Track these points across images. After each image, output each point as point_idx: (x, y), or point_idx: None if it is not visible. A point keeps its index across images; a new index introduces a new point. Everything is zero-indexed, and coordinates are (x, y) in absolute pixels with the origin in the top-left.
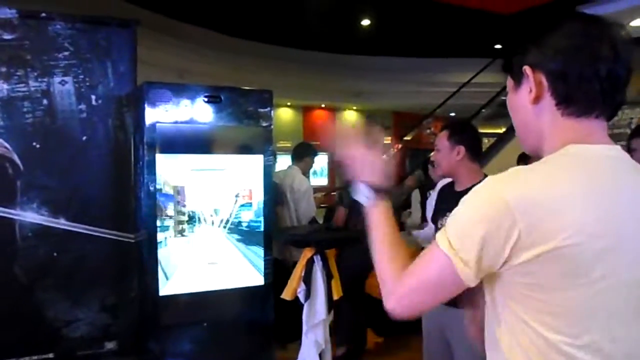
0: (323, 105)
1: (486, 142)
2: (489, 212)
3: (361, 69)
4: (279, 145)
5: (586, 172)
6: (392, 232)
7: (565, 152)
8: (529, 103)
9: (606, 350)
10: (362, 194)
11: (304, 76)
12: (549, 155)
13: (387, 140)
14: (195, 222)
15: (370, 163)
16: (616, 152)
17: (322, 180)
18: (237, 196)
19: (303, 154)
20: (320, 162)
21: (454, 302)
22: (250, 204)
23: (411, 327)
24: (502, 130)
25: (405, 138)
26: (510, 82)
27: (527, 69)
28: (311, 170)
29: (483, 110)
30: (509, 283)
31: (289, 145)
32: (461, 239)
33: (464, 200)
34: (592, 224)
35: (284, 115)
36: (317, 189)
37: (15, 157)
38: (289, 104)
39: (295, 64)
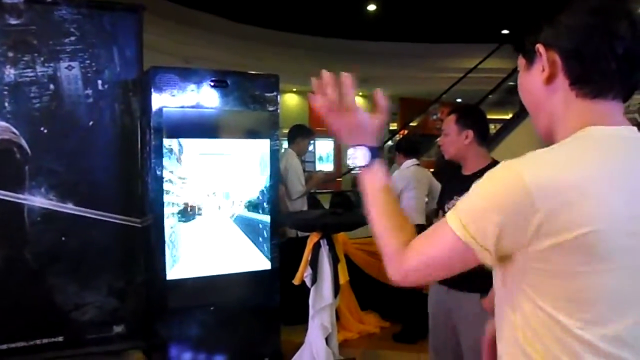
0: None
1: (493, 128)
2: (507, 197)
3: (367, 54)
4: (285, 131)
5: (607, 155)
6: (390, 199)
7: (583, 135)
8: (542, 83)
9: (627, 340)
10: (356, 157)
11: (310, 62)
12: (567, 138)
13: (394, 126)
14: (201, 206)
15: (357, 123)
16: (635, 133)
17: (328, 166)
18: (243, 180)
19: (295, 135)
20: (326, 148)
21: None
22: (256, 189)
23: (416, 312)
24: (509, 116)
25: (412, 124)
26: (521, 61)
27: (540, 47)
28: (309, 153)
29: (490, 96)
30: (525, 268)
31: None
32: (476, 223)
33: (480, 183)
34: (615, 209)
35: (290, 101)
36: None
37: (23, 142)
38: (294, 89)
39: (301, 50)
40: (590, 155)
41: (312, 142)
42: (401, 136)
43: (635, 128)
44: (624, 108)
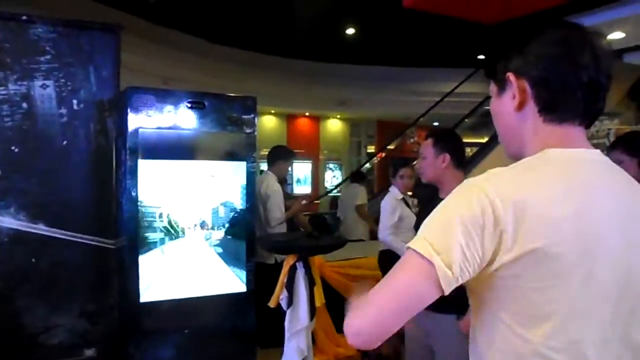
0: (307, 114)
1: (469, 152)
2: (473, 211)
3: (345, 77)
4: (262, 153)
5: (565, 174)
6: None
7: (543, 155)
8: (513, 109)
9: (588, 355)
10: None
11: (288, 84)
12: (527, 158)
13: (371, 148)
14: (177, 228)
15: None
16: (596, 155)
17: (305, 189)
18: (219, 202)
19: (275, 158)
20: (304, 170)
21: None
22: (233, 211)
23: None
24: (484, 139)
25: (389, 147)
26: (493, 88)
27: (510, 75)
28: (288, 175)
29: (466, 120)
30: (489, 284)
31: None
32: (446, 239)
33: (444, 202)
34: (572, 225)
35: (268, 123)
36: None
37: None
38: (273, 111)
39: (279, 72)
40: (546, 174)
41: (292, 164)
42: (379, 158)
43: (597, 151)
44: (593, 134)
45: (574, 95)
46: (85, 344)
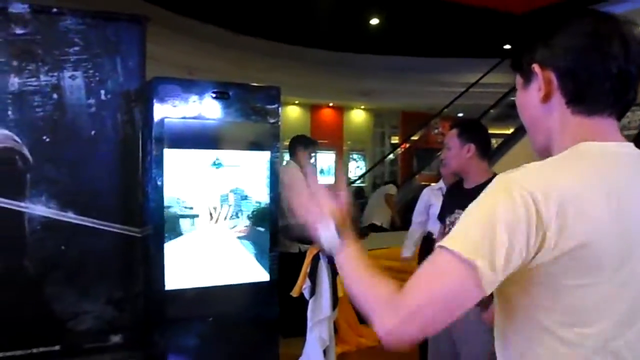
0: (331, 104)
1: (494, 143)
2: (516, 210)
3: (369, 68)
4: (286, 144)
5: (602, 169)
6: (370, 271)
7: (576, 150)
8: (538, 101)
9: (626, 357)
10: (325, 241)
11: (312, 75)
12: (562, 153)
13: (395, 139)
14: (201, 217)
15: (320, 208)
16: (629, 148)
17: (329, 179)
18: (243, 192)
19: (295, 147)
20: (327, 160)
21: None
22: (256, 200)
23: None
24: (510, 131)
25: (413, 138)
26: (519, 80)
27: (536, 66)
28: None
29: (491, 111)
30: (525, 283)
31: None
32: (487, 240)
33: (480, 201)
34: (612, 223)
35: (292, 113)
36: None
37: (26, 151)
38: (297, 102)
39: (304, 63)
40: (583, 169)
41: (314, 153)
42: (403, 149)
43: (630, 144)
44: (625, 125)
45: (602, 86)
46: (112, 330)
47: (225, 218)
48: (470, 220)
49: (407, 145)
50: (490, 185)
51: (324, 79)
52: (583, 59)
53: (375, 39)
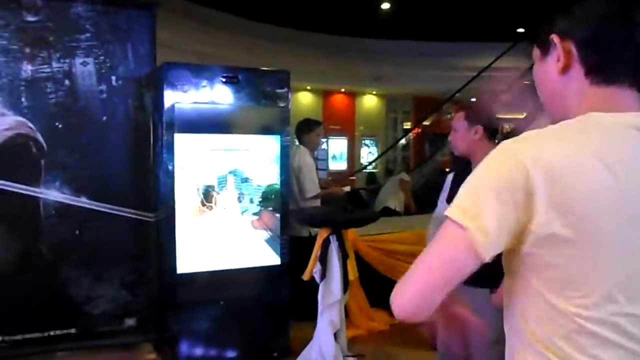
0: (343, 90)
1: (507, 128)
2: (504, 174)
3: (381, 52)
4: None
5: (608, 141)
6: None
7: (586, 119)
8: (557, 73)
9: (625, 326)
10: None
11: (324, 60)
12: (568, 120)
13: (407, 125)
14: (212, 201)
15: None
16: None
17: (341, 165)
18: (254, 176)
19: (301, 131)
20: (339, 146)
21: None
22: (267, 184)
23: None
24: (522, 115)
25: (425, 123)
26: (536, 52)
27: (555, 37)
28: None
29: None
30: (521, 251)
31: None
32: (478, 204)
33: (479, 167)
34: (613, 194)
35: (304, 99)
36: (336, 173)
37: (40, 137)
38: (308, 88)
39: (315, 48)
40: (583, 138)
41: (324, 138)
42: (415, 134)
43: None
44: None
45: (623, 55)
46: (126, 313)
47: (237, 201)
48: (465, 187)
49: (419, 130)
50: (492, 151)
51: (336, 64)
52: (605, 26)
53: (387, 23)
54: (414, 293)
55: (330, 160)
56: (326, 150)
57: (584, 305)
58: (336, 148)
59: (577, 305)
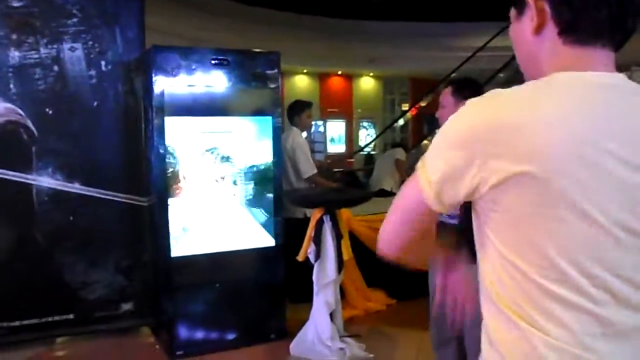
0: (339, 72)
1: None
2: (458, 134)
3: (375, 34)
4: None
5: (570, 97)
6: None
7: (550, 79)
8: (531, 33)
9: (585, 288)
10: None
11: (319, 43)
12: (533, 80)
13: (405, 106)
14: (205, 184)
15: None
16: (616, 79)
17: (339, 147)
18: (247, 158)
19: (292, 113)
20: (337, 129)
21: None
22: (260, 166)
23: (423, 290)
24: None
25: (422, 103)
26: (513, 12)
27: None
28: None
29: (500, 75)
30: (484, 213)
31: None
32: (432, 160)
33: (444, 124)
34: (571, 151)
35: (300, 82)
36: (334, 156)
37: (30, 124)
38: (305, 71)
39: (309, 31)
40: (547, 97)
41: (321, 121)
42: (412, 115)
43: (621, 75)
44: None
45: (598, 13)
46: (122, 298)
47: (230, 184)
48: (433, 140)
49: (417, 111)
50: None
51: (331, 46)
52: None
53: (380, 5)
54: (387, 231)
55: (328, 142)
56: (324, 133)
57: (545, 266)
58: (334, 131)
59: (538, 265)
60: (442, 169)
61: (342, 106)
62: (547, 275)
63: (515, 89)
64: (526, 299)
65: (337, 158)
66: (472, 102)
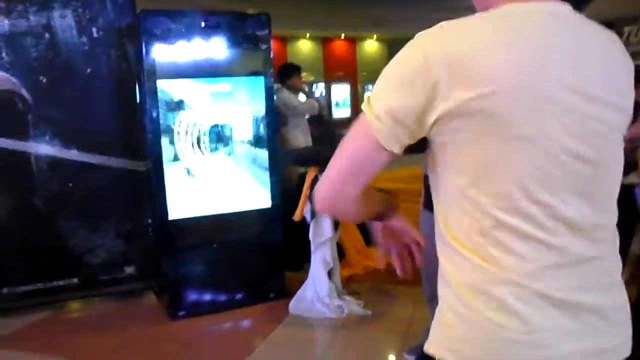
0: (343, 36)
1: None
2: (406, 66)
3: None
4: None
5: (513, 26)
6: None
7: (496, 10)
8: None
9: (542, 220)
10: None
11: (322, 7)
12: (479, 13)
13: None
14: (199, 146)
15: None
16: (561, 8)
17: (344, 112)
18: (240, 119)
19: (281, 76)
20: (342, 92)
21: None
22: (253, 126)
23: None
24: None
25: None
26: None
27: None
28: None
29: None
30: (437, 148)
31: (311, 78)
32: (380, 92)
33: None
34: (514, 76)
35: (304, 47)
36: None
37: (24, 92)
38: (307, 36)
39: None
40: (491, 26)
41: (326, 83)
42: None
43: (566, 5)
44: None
45: None
46: (125, 262)
47: (225, 145)
48: (377, 79)
49: None
50: None
51: (334, 11)
52: None
53: None
54: (326, 182)
55: (333, 106)
56: (326, 97)
57: (497, 195)
58: (339, 95)
59: (490, 195)
60: (390, 103)
61: (346, 70)
62: (500, 205)
63: (461, 20)
64: (478, 231)
65: (343, 122)
66: (420, 35)
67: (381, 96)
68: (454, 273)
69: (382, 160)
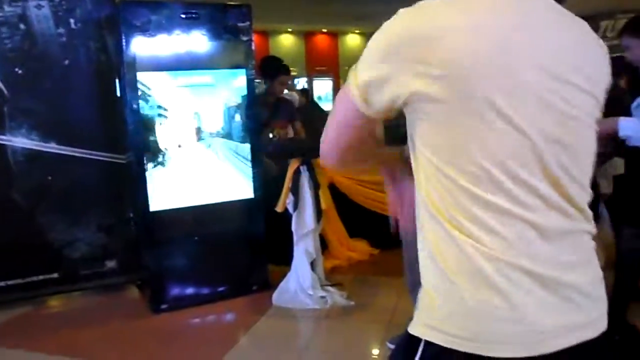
0: (324, 30)
1: None
2: (385, 42)
3: None
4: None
5: (489, 7)
6: None
7: None
8: None
9: (521, 197)
10: None
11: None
12: None
13: None
14: (181, 138)
15: None
16: None
17: (327, 105)
18: (221, 111)
19: (264, 73)
20: (324, 87)
21: None
22: (234, 117)
23: None
24: None
25: None
26: None
27: None
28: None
29: None
30: (412, 122)
31: (294, 72)
32: (361, 65)
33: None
34: (489, 56)
35: (286, 41)
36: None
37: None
38: (289, 30)
39: None
40: (465, 7)
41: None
42: None
43: None
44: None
45: None
46: (106, 256)
47: (206, 137)
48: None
49: None
50: None
51: (317, 5)
52: None
53: None
54: (326, 142)
55: (316, 100)
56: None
57: (474, 172)
58: (321, 89)
59: (468, 172)
60: (369, 73)
61: (328, 64)
62: (477, 182)
63: (439, 1)
64: (459, 209)
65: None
66: (399, 13)
67: (363, 65)
68: (437, 245)
69: (367, 123)
